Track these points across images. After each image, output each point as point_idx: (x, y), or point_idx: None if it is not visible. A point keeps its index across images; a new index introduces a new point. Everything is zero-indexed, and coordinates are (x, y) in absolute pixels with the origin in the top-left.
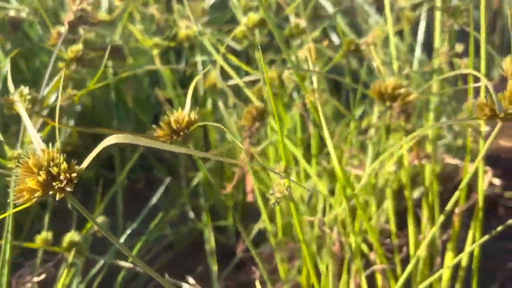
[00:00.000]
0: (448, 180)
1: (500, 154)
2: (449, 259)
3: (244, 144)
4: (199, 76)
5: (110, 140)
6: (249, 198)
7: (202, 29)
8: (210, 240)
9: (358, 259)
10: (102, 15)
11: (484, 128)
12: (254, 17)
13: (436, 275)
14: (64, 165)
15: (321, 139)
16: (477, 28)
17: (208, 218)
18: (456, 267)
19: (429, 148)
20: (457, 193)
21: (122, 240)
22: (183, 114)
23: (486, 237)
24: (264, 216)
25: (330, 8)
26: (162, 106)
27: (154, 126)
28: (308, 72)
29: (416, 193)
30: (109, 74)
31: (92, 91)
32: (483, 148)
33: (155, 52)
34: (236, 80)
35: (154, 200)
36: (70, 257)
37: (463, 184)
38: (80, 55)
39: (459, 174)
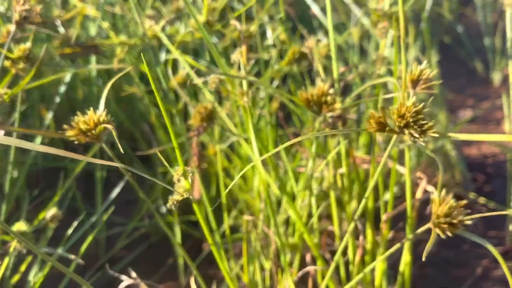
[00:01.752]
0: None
1: (485, 159)
2: (379, 264)
3: (192, 142)
4: (118, 75)
5: None
6: (196, 195)
7: (174, 27)
8: (177, 234)
9: (297, 259)
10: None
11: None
12: (200, 18)
13: (357, 278)
14: None
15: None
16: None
17: (176, 213)
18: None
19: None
20: (363, 201)
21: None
22: (94, 115)
23: (397, 246)
24: (211, 215)
25: (315, 7)
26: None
27: (66, 126)
28: (234, 77)
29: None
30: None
31: (82, 85)
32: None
33: (119, 50)
34: (195, 80)
35: (114, 194)
36: (13, 246)
37: (369, 192)
38: (27, 54)
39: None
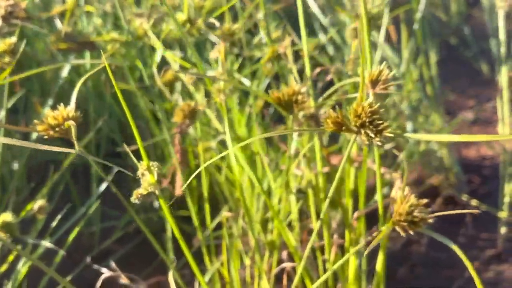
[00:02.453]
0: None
1: (482, 161)
2: (352, 263)
3: (174, 139)
4: (84, 77)
5: None
6: (177, 192)
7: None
8: (167, 229)
9: (275, 255)
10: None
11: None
12: (181, 16)
13: (326, 275)
14: None
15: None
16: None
17: (166, 207)
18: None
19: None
20: (326, 203)
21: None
22: (65, 111)
23: (361, 244)
24: (192, 208)
25: (315, 7)
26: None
27: (36, 121)
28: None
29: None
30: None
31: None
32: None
33: (109, 46)
34: (182, 76)
35: (102, 187)
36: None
37: (330, 192)
38: (12, 48)
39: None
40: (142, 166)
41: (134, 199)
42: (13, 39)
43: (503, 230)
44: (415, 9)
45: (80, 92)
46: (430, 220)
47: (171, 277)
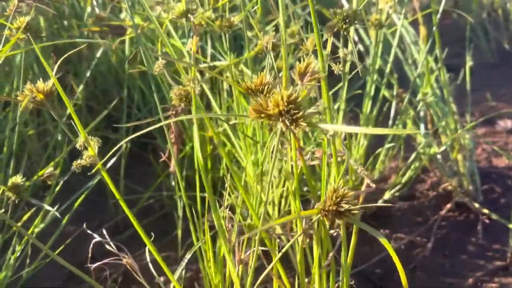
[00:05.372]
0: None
1: (509, 171)
2: (315, 254)
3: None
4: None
5: None
6: (171, 170)
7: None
8: (178, 208)
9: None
10: None
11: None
12: (180, 7)
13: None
14: None
15: None
16: None
17: (178, 187)
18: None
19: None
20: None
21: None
22: (42, 85)
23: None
24: (182, 186)
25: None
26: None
27: (18, 93)
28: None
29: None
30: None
31: (107, 61)
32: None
33: (129, 31)
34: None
35: None
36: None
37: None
38: (26, 25)
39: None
40: (81, 139)
41: (74, 168)
42: (27, 17)
43: None
44: (434, 11)
45: (117, 73)
46: (356, 212)
47: (147, 252)
